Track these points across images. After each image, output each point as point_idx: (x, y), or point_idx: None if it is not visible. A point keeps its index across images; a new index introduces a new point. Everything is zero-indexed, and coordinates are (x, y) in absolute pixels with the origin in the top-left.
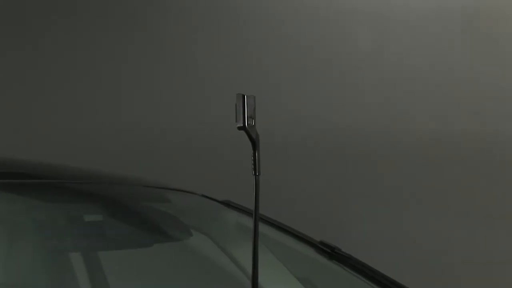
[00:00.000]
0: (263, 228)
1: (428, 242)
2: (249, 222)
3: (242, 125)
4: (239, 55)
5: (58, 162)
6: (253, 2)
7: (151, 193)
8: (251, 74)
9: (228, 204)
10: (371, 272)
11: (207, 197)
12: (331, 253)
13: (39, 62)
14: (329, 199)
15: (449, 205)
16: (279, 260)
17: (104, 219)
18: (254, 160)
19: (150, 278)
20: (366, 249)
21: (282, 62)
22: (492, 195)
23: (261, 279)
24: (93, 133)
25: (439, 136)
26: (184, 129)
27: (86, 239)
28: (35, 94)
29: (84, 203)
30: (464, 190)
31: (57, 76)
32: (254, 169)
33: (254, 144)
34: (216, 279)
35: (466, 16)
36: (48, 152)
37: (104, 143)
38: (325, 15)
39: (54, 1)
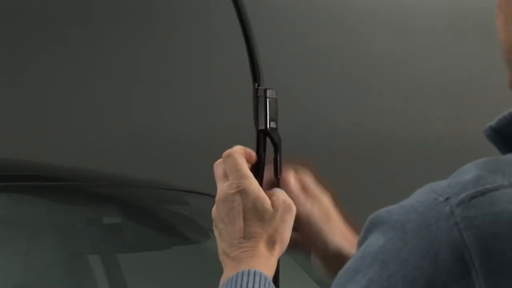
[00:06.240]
0: None
1: None
2: None
3: (264, 127)
4: None
5: (75, 165)
6: (269, 5)
7: (169, 196)
8: (265, 78)
9: None
10: None
11: None
12: None
13: (54, 65)
14: (342, 200)
15: None
16: (297, 262)
17: (122, 222)
18: (276, 163)
19: (168, 280)
20: None
21: (295, 64)
22: None
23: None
24: (111, 137)
25: (454, 137)
26: (202, 132)
27: (105, 241)
28: (51, 97)
29: (102, 205)
30: None
31: (73, 79)
32: (275, 172)
33: (277, 147)
34: None
35: (481, 19)
36: (65, 155)
37: (122, 146)
38: (340, 17)
39: (70, 5)
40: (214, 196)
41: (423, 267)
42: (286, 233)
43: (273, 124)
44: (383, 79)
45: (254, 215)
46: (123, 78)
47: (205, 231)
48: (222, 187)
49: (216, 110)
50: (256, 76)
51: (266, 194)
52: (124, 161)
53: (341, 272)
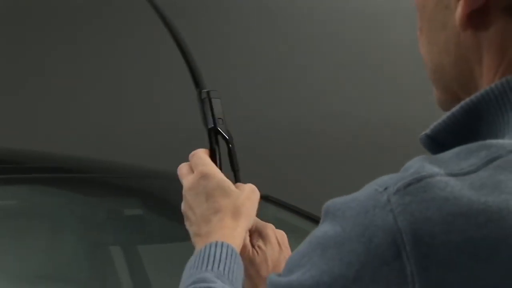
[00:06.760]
0: (300, 222)
1: None
2: (288, 216)
3: (212, 125)
4: (274, 48)
5: (99, 157)
6: None
7: None
8: (288, 68)
9: (267, 198)
10: None
11: None
12: None
13: (74, 58)
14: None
15: None
16: None
17: (144, 213)
18: (230, 157)
19: None
20: None
21: (316, 56)
22: None
23: None
24: (134, 130)
25: None
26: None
27: (126, 232)
28: (75, 90)
29: (124, 197)
30: None
31: (96, 73)
32: (232, 165)
33: (228, 142)
34: None
35: None
36: (87, 148)
37: (144, 139)
38: (361, 7)
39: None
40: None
41: (358, 251)
42: (251, 210)
43: (220, 122)
44: (406, 68)
45: (220, 193)
46: (144, 71)
47: None
48: (187, 180)
49: (235, 102)
50: (197, 82)
51: None
52: (145, 153)
53: (292, 256)
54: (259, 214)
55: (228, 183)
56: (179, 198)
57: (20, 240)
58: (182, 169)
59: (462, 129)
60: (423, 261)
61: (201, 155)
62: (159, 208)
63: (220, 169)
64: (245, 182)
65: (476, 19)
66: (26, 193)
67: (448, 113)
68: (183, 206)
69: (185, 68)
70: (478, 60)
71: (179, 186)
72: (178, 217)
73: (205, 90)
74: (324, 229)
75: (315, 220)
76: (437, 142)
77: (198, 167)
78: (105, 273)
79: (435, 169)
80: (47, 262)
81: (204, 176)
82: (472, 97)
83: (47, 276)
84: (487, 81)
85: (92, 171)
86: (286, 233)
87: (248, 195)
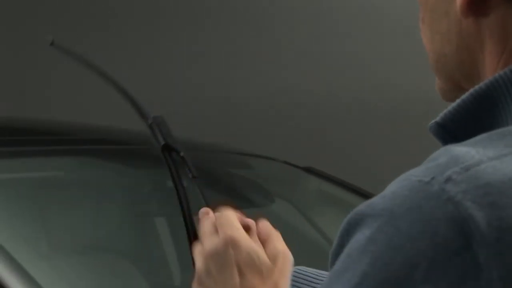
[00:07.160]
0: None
1: None
2: (330, 188)
3: (164, 143)
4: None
5: (141, 128)
6: None
7: (234, 160)
8: (334, 39)
9: (309, 170)
10: None
11: (288, 163)
12: None
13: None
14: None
15: None
16: None
17: (188, 185)
18: (187, 166)
19: None
20: None
21: (364, 26)
22: None
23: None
24: (178, 103)
25: None
26: (267, 97)
27: (170, 204)
28: (116, 61)
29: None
30: None
31: (134, 48)
32: (193, 175)
33: (180, 155)
34: (298, 245)
35: None
36: (130, 119)
37: (188, 111)
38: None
39: None
40: (279, 160)
41: (422, 248)
42: (286, 286)
43: (170, 139)
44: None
45: (251, 269)
46: (191, 47)
47: (269, 195)
48: (211, 241)
49: (282, 76)
50: (141, 115)
51: (261, 241)
52: (189, 126)
53: (327, 279)
54: (301, 187)
55: (258, 252)
56: (222, 170)
57: (67, 211)
58: (206, 226)
59: (472, 116)
60: (496, 246)
61: (230, 217)
62: (203, 180)
63: (177, 184)
64: (290, 155)
65: (477, 6)
66: (73, 164)
67: (458, 101)
68: (199, 268)
69: (234, 45)
70: (480, 48)
71: (222, 158)
72: (221, 189)
73: (151, 117)
74: (365, 236)
75: (359, 193)
76: (447, 130)
77: (226, 230)
78: (150, 243)
79: (475, 156)
80: (94, 232)
81: (233, 244)
82: (481, 84)
83: (94, 246)
84: (490, 69)
85: (138, 143)
86: (329, 206)
87: (281, 268)
